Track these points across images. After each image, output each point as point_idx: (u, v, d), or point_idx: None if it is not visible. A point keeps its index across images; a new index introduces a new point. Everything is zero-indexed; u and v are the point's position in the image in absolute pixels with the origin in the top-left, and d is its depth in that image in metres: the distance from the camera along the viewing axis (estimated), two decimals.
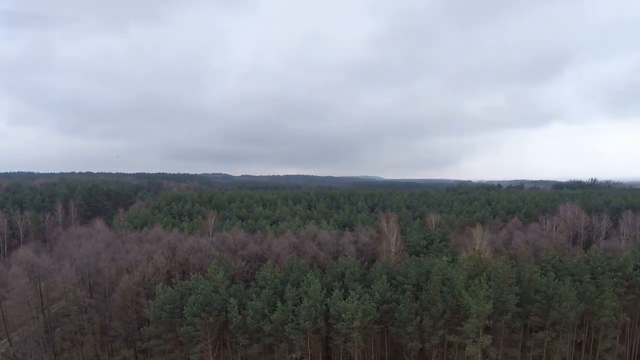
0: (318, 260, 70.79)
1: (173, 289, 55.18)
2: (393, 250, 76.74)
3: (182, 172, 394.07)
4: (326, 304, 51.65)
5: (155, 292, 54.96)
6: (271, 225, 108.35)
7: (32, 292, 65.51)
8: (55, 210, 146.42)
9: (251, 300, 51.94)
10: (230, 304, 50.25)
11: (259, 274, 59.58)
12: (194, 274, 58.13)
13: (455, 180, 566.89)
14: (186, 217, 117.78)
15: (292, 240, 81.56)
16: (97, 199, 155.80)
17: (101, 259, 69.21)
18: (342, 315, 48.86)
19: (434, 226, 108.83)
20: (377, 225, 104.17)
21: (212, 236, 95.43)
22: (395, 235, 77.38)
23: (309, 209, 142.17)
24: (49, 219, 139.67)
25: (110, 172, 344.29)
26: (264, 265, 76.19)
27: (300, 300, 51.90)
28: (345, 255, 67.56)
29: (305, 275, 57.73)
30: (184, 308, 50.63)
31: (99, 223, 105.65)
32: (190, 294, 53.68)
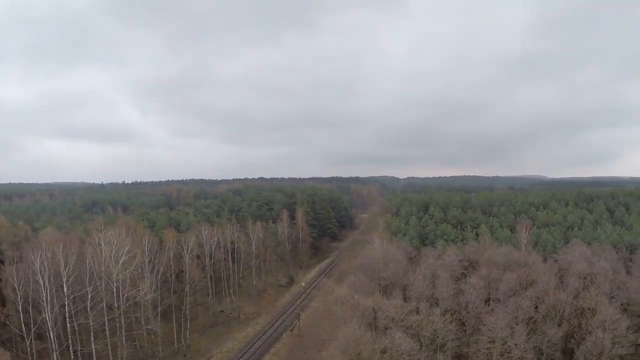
0: None
1: None
2: None
3: (353, 176, 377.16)
4: None
5: None
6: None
7: None
8: (281, 220, 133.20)
9: None
10: None
11: None
12: None
13: (631, 178, 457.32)
14: (466, 228, 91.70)
15: None
16: (322, 205, 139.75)
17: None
18: None
19: None
20: None
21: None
22: None
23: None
24: (281, 229, 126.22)
25: (283, 177, 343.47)
26: None
27: None
28: None
29: None
30: None
31: (377, 239, 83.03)
32: None
